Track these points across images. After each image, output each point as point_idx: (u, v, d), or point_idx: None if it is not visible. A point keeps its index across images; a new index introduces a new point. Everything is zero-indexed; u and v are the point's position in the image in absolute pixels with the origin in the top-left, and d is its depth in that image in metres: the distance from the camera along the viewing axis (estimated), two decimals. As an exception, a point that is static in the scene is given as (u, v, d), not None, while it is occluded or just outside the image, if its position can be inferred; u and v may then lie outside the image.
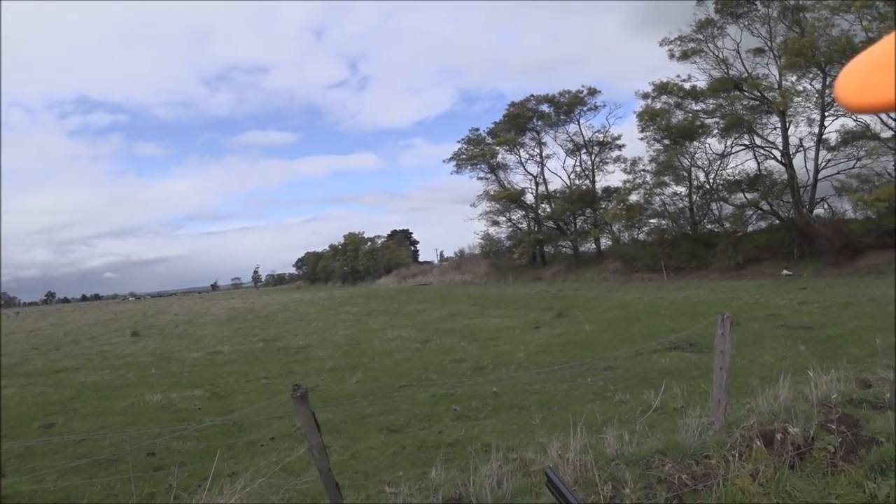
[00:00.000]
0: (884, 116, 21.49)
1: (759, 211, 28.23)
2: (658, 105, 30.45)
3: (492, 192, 44.16)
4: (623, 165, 35.57)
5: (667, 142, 30.70)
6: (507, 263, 41.79)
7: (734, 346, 4.34)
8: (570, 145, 41.38)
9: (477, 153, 44.57)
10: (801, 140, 26.66)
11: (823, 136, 25.60)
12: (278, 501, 3.78)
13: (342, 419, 6.55)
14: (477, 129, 46.34)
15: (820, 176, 25.95)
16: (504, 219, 44.95)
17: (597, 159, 40.39)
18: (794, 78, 25.83)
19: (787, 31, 25.53)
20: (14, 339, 23.35)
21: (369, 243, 79.94)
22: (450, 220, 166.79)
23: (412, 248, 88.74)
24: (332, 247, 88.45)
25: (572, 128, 41.27)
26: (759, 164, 28.43)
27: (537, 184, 44.07)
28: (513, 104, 42.90)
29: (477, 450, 3.90)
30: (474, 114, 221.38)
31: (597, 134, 40.21)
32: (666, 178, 31.10)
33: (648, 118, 30.31)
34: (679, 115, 30.13)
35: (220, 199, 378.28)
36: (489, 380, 8.04)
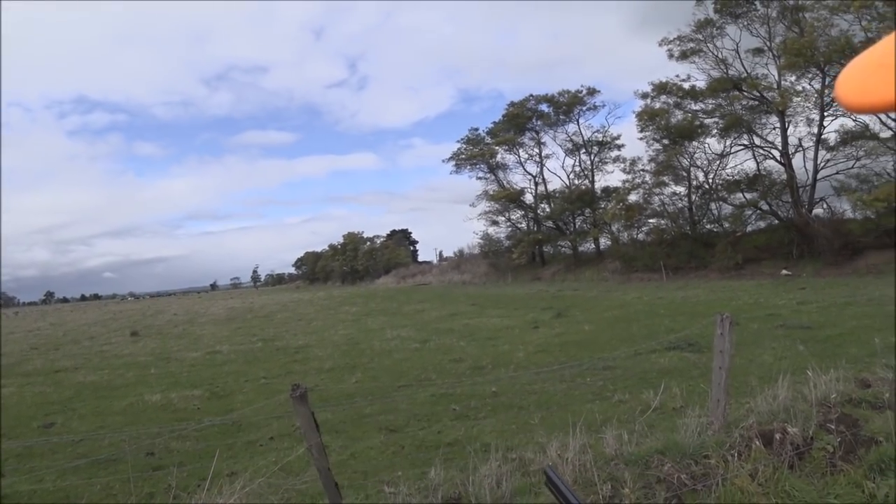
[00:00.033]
0: (883, 116, 21.50)
1: (758, 211, 28.25)
2: (657, 105, 30.46)
3: (491, 192, 44.18)
4: (622, 165, 35.66)
5: (666, 142, 30.71)
6: (506, 263, 41.79)
7: (733, 346, 4.35)
8: (570, 145, 41.46)
9: (476, 153, 44.58)
10: (800, 140, 26.72)
11: (822, 136, 25.62)
12: (277, 501, 3.77)
13: (341, 419, 6.55)
14: (476, 129, 46.44)
15: (819, 176, 25.98)
16: (503, 219, 45.01)
17: (596, 159, 40.46)
18: (793, 78, 25.85)
19: (786, 31, 25.54)
20: (13, 338, 23.33)
21: (368, 243, 79.96)
22: (449, 220, 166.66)
23: (411, 247, 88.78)
24: (332, 246, 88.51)
25: (571, 128, 41.38)
26: (758, 164, 28.48)
27: (536, 184, 44.17)
28: (512, 104, 42.96)
29: (476, 449, 3.90)
30: (473, 114, 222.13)
31: (596, 134, 40.32)
32: (665, 178, 31.11)
33: (648, 118, 30.32)
34: (678, 115, 30.15)
35: (219, 199, 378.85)
36: (488, 380, 8.04)
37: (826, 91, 24.02)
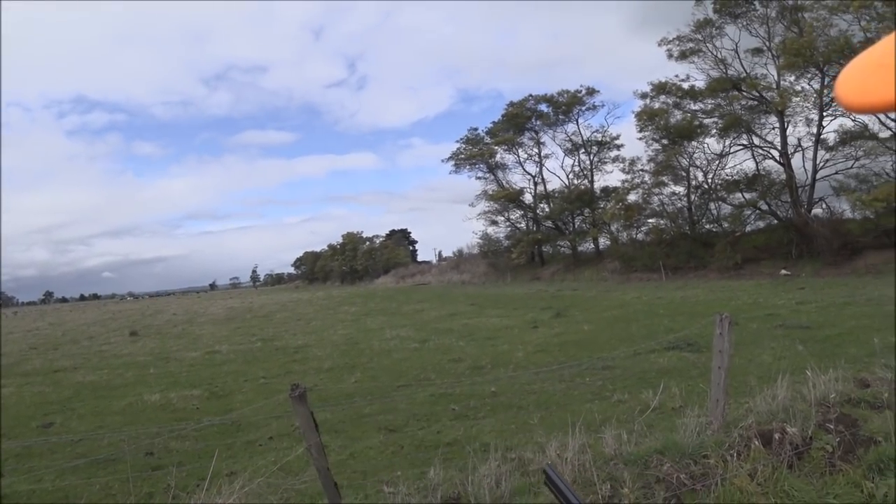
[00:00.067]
0: (883, 116, 21.53)
1: (757, 211, 28.27)
2: (656, 105, 30.48)
3: (490, 192, 44.17)
4: (621, 165, 35.70)
5: (665, 141, 30.73)
6: (505, 263, 41.79)
7: (732, 346, 4.35)
8: (569, 145, 41.46)
9: (475, 153, 44.58)
10: (799, 140, 26.75)
11: (822, 136, 25.65)
12: (277, 501, 3.77)
13: (340, 419, 6.55)
14: (475, 129, 46.44)
15: (818, 176, 26.01)
16: (502, 218, 45.01)
17: (595, 159, 40.46)
18: (792, 78, 25.87)
19: (785, 31, 25.56)
20: (12, 338, 23.30)
21: (368, 243, 79.97)
22: (448, 220, 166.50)
23: (411, 247, 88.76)
24: (331, 246, 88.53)
25: (571, 127, 41.37)
26: (757, 163, 28.52)
27: (536, 183, 44.18)
28: (511, 104, 42.96)
29: (475, 449, 3.90)
30: (473, 113, 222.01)
31: (595, 134, 40.31)
32: (664, 178, 31.11)
33: (647, 118, 30.33)
34: (677, 115, 30.17)
35: (218, 199, 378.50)
36: (487, 379, 8.04)
37: (825, 91, 24.04)
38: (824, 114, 25.10)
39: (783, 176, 26.89)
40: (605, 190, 39.03)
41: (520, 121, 42.39)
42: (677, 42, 28.68)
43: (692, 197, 31.05)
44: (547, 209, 42.64)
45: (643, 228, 33.24)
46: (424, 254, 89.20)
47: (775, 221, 27.53)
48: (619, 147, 39.12)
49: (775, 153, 27.59)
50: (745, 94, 27.35)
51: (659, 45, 29.16)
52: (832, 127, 25.24)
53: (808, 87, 25.48)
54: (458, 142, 46.82)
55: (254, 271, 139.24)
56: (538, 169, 43.81)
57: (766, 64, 27.16)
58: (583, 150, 40.71)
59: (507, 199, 42.81)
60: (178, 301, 73.29)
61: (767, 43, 26.58)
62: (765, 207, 27.80)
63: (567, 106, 40.10)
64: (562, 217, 41.17)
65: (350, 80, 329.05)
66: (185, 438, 6.12)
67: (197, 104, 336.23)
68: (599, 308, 17.13)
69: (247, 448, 5.72)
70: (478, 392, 7.33)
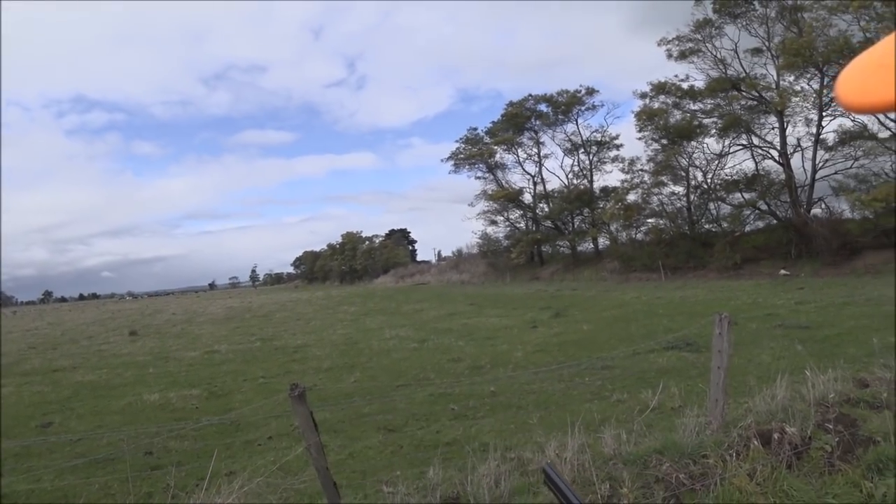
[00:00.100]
0: (882, 116, 21.55)
1: (756, 211, 28.28)
2: (656, 105, 30.49)
3: (490, 192, 44.17)
4: (621, 165, 35.74)
5: (665, 141, 30.74)
6: (504, 263, 41.80)
7: (732, 346, 4.35)
8: (568, 145, 41.47)
9: (475, 153, 44.58)
10: (798, 140, 26.78)
11: (821, 136, 25.66)
12: (276, 501, 3.77)
13: (340, 418, 6.55)
14: (475, 129, 46.45)
15: (817, 176, 26.03)
16: (502, 218, 45.03)
17: (595, 159, 40.46)
18: (791, 78, 25.88)
19: (784, 31, 25.57)
20: (11, 338, 23.27)
21: (367, 243, 79.97)
22: (448, 220, 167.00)
23: (410, 247, 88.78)
24: (330, 246, 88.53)
25: (570, 127, 41.39)
26: (756, 163, 28.54)
27: (535, 183, 44.20)
28: (511, 104, 42.96)
29: (475, 449, 3.90)
30: (472, 113, 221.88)
31: (595, 133, 40.33)
32: (664, 178, 31.12)
33: (646, 118, 30.34)
34: (677, 115, 30.19)
35: (217, 199, 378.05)
36: (487, 379, 8.04)
37: (824, 91, 24.06)
38: (824, 114, 25.12)
39: (782, 176, 26.91)
40: (605, 190, 39.03)
41: (519, 121, 42.40)
42: (677, 42, 28.72)
43: (691, 197, 31.08)
44: (546, 209, 42.65)
45: (642, 228, 33.29)
46: (424, 254, 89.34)
47: (774, 221, 27.55)
48: (618, 147, 39.21)
49: (775, 153, 27.64)
50: (744, 94, 27.36)
51: (658, 45, 29.22)
52: (831, 127, 25.32)
53: (807, 87, 25.53)
54: (457, 142, 46.92)
55: (253, 271, 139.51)
56: (537, 169, 43.91)
57: (765, 64, 27.22)
58: (582, 150, 40.75)
59: (507, 198, 42.82)
60: (177, 301, 73.25)
61: (767, 43, 26.62)
62: (764, 207, 27.82)
63: (566, 106, 40.11)
64: (561, 217, 41.18)
65: (349, 80, 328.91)
66: (184, 438, 6.12)
67: (196, 104, 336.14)
68: (599, 308, 17.14)
69: (246, 448, 5.72)
70: (477, 392, 7.33)
